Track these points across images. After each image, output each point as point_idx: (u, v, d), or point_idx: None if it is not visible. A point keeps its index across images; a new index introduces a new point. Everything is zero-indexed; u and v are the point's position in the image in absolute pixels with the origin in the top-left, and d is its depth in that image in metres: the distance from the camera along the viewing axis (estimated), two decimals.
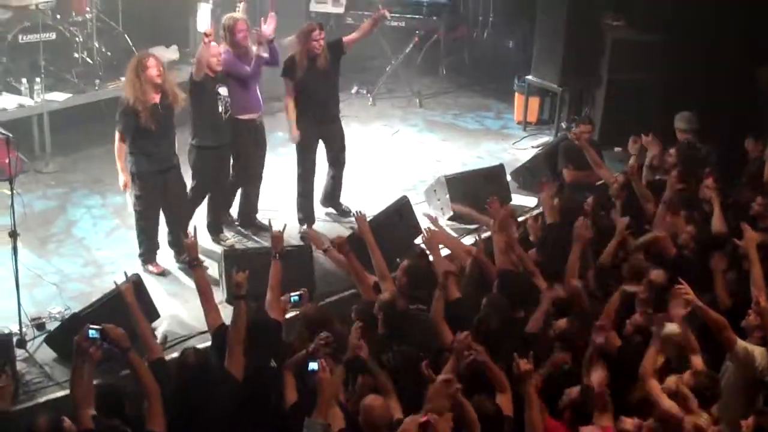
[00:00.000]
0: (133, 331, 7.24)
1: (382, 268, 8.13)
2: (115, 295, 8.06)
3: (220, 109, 9.19)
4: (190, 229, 7.85)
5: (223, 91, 9.25)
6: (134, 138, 8.69)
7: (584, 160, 10.33)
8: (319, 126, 9.89)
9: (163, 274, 9.17)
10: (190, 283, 8.97)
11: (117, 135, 8.71)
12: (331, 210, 10.38)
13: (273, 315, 7.31)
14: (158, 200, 8.99)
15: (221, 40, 9.47)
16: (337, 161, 10.19)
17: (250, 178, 9.90)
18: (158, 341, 7.70)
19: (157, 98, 8.64)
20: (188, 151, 9.36)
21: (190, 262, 7.54)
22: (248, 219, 10.05)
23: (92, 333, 6.30)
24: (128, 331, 7.42)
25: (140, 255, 9.16)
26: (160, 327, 8.30)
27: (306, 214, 10.10)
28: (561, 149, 10.76)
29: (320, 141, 10.01)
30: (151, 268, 9.16)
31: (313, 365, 6.22)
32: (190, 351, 6.75)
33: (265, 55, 9.40)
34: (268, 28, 9.36)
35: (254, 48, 9.46)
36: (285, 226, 8.15)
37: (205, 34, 9.05)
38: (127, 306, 7.18)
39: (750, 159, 10.00)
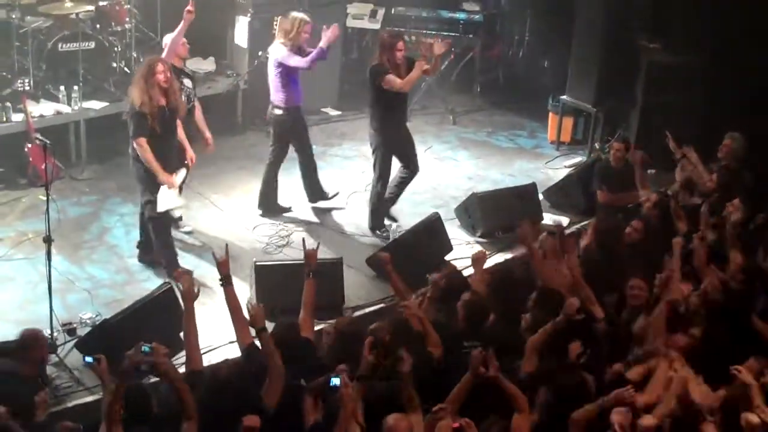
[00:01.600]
0: (165, 340, 7.30)
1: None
2: (145, 303, 8.15)
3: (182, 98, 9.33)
4: (221, 247, 7.86)
5: (187, 82, 9.64)
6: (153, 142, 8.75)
7: (618, 182, 10.31)
8: (400, 130, 10.06)
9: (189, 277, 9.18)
10: (221, 289, 9.08)
11: (140, 141, 8.66)
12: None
13: (305, 333, 7.31)
14: None
15: (281, 33, 10.03)
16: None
17: (311, 155, 10.49)
18: None
19: (163, 101, 8.75)
20: None
21: (222, 280, 7.53)
22: (320, 193, 10.67)
23: (145, 349, 6.57)
24: (158, 340, 7.51)
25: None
26: None
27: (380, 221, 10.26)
28: (596, 170, 10.73)
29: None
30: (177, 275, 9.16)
31: (335, 380, 6.24)
32: (224, 365, 6.77)
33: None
34: (332, 34, 9.97)
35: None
36: (318, 244, 8.16)
37: (188, 11, 9.48)
38: (185, 312, 7.22)
39: None
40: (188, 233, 10.08)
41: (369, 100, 10.02)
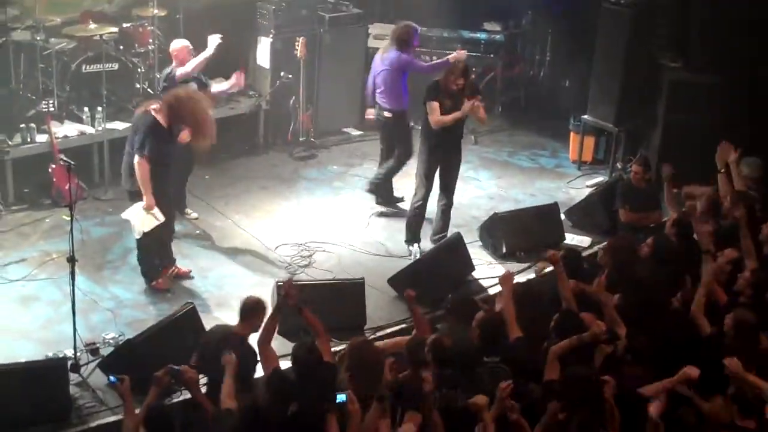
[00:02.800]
0: (187, 360, 7.33)
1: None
2: (168, 323, 8.18)
3: None
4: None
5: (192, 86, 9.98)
6: (154, 167, 8.88)
7: (641, 202, 10.28)
8: (443, 153, 10.11)
9: (168, 291, 9.38)
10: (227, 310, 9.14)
11: (138, 158, 8.81)
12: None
13: (325, 358, 7.32)
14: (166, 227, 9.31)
15: (396, 42, 10.72)
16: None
17: (402, 162, 11.09)
18: None
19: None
20: None
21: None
22: (390, 197, 11.31)
23: (173, 371, 6.71)
24: (181, 360, 7.54)
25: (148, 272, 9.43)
26: None
27: (414, 234, 10.33)
28: (619, 189, 10.71)
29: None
30: (154, 284, 9.39)
31: (341, 397, 6.30)
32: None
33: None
34: (460, 53, 10.76)
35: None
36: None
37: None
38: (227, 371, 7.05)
39: None
40: (195, 219, 10.60)
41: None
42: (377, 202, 11.30)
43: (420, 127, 10.24)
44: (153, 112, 8.89)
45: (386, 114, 10.89)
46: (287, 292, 7.67)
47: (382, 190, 11.26)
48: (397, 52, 10.72)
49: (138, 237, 9.12)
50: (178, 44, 10.47)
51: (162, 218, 9.03)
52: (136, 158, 8.81)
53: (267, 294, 9.10)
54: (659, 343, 7.28)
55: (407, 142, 11.05)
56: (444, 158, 10.13)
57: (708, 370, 6.95)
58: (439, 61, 10.95)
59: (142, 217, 8.99)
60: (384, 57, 10.86)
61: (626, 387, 6.79)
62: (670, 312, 7.98)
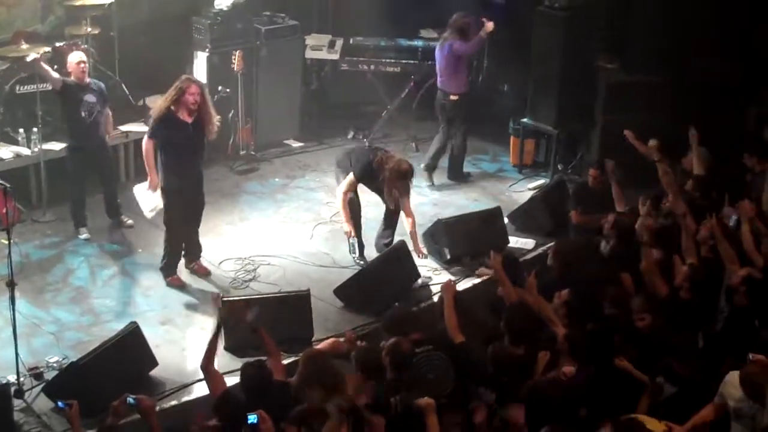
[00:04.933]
0: (134, 380, 7.23)
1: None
2: (112, 343, 8.08)
3: (82, 114, 10.24)
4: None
5: (88, 98, 10.30)
6: (164, 153, 9.40)
7: (594, 203, 10.34)
8: None
9: (183, 286, 9.67)
10: (190, 327, 9.03)
11: (145, 139, 9.46)
12: None
13: (277, 376, 7.25)
14: (182, 214, 9.64)
15: (456, 32, 11.87)
16: None
17: (466, 139, 12.38)
18: None
19: (189, 119, 9.33)
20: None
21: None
22: (461, 175, 12.51)
23: (130, 401, 6.57)
24: (127, 380, 7.45)
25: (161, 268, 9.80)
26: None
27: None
28: (573, 191, 10.80)
29: None
30: (172, 281, 9.73)
31: (252, 418, 6.23)
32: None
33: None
34: (489, 26, 11.94)
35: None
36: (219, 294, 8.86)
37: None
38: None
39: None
40: (129, 227, 10.76)
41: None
42: (450, 178, 12.44)
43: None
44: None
45: (452, 97, 12.04)
46: (239, 317, 7.63)
47: (456, 170, 12.43)
48: (455, 41, 11.81)
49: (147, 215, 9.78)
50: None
51: (159, 203, 9.55)
52: (144, 139, 9.47)
53: (212, 311, 9.10)
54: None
55: (470, 121, 12.27)
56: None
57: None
58: (476, 37, 11.92)
59: (145, 196, 9.61)
60: (443, 46, 11.97)
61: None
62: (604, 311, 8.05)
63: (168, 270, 9.77)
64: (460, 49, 11.85)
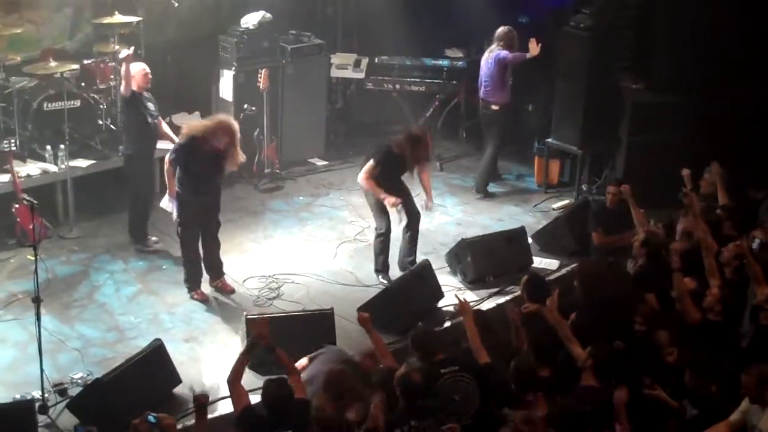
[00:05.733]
0: (157, 398, 7.24)
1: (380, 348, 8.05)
2: (136, 360, 8.11)
3: (149, 120, 10.47)
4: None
5: (150, 106, 10.52)
6: (182, 172, 9.55)
7: (614, 223, 10.31)
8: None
9: (206, 300, 9.76)
10: (214, 344, 9.05)
11: (167, 158, 9.69)
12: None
13: (298, 395, 7.26)
14: (195, 229, 9.79)
15: (503, 43, 12.20)
16: None
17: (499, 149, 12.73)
18: None
19: (210, 152, 9.50)
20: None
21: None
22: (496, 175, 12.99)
23: (151, 419, 6.60)
24: (150, 397, 7.48)
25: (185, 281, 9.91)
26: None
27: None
28: (592, 211, 10.75)
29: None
30: (195, 296, 9.80)
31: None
32: None
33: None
34: (534, 47, 12.08)
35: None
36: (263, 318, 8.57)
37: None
38: None
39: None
40: (155, 242, 10.83)
41: None
42: (476, 190, 12.66)
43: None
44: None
45: (493, 107, 12.32)
46: (259, 334, 7.61)
47: (481, 181, 12.66)
48: (502, 50, 12.11)
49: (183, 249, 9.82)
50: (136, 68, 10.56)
51: (172, 212, 9.73)
52: (166, 158, 9.69)
53: (236, 328, 9.12)
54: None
55: (504, 135, 12.60)
56: (402, 187, 10.24)
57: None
58: (521, 54, 12.14)
59: (170, 205, 9.80)
60: (489, 57, 12.28)
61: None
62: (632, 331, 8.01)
63: (191, 284, 9.85)
64: (507, 58, 12.12)
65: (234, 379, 7.35)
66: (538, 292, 8.46)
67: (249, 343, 7.68)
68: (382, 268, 10.32)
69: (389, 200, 9.99)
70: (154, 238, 10.86)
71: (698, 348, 7.63)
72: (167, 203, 9.87)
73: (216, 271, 10.00)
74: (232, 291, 9.99)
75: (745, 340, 7.97)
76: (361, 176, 10.11)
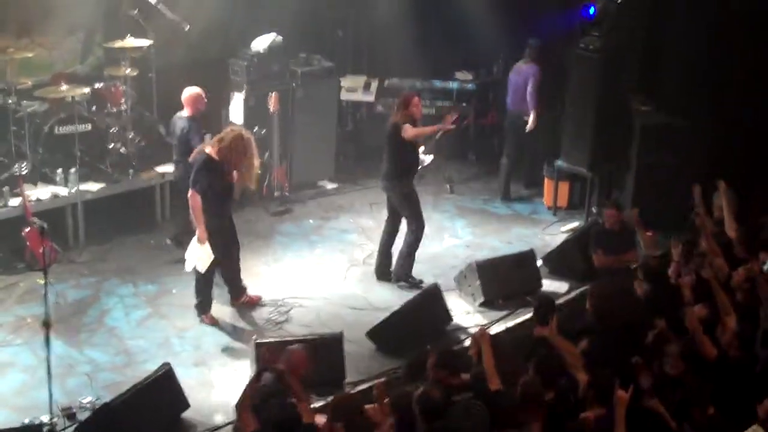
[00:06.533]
0: (166, 422, 7.24)
1: None
2: (145, 385, 8.11)
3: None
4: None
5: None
6: (204, 200, 9.39)
7: (614, 245, 10.30)
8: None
9: (216, 324, 9.77)
10: (223, 369, 9.05)
11: (190, 192, 9.43)
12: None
13: (306, 420, 7.25)
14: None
15: (531, 59, 12.77)
16: None
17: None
18: None
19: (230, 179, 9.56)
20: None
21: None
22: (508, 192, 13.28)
23: None
24: (159, 422, 7.48)
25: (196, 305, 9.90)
26: None
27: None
28: (592, 234, 10.72)
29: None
30: (202, 318, 9.83)
31: None
32: None
33: None
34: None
35: None
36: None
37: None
38: None
39: None
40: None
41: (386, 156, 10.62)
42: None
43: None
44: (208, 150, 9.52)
45: (524, 117, 12.79)
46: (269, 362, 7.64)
47: (503, 188, 13.20)
48: (535, 66, 12.69)
49: (197, 271, 9.62)
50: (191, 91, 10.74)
51: (211, 254, 9.48)
52: (190, 192, 9.39)
53: (245, 353, 9.12)
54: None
55: (524, 145, 13.20)
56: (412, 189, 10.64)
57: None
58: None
59: (197, 254, 9.51)
60: (522, 68, 12.82)
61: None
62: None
63: (201, 308, 9.85)
64: (537, 75, 12.67)
65: (242, 405, 7.33)
66: (548, 317, 8.42)
67: (257, 370, 7.66)
68: (410, 270, 10.65)
69: (439, 126, 10.78)
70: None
71: (719, 384, 7.55)
72: (192, 250, 9.61)
73: (235, 292, 10.11)
74: (258, 300, 10.19)
75: (759, 365, 7.91)
76: (410, 133, 10.31)
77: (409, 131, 10.25)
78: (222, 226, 9.66)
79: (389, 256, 10.78)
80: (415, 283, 10.57)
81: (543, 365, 7.62)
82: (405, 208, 10.57)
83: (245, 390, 7.38)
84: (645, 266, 9.22)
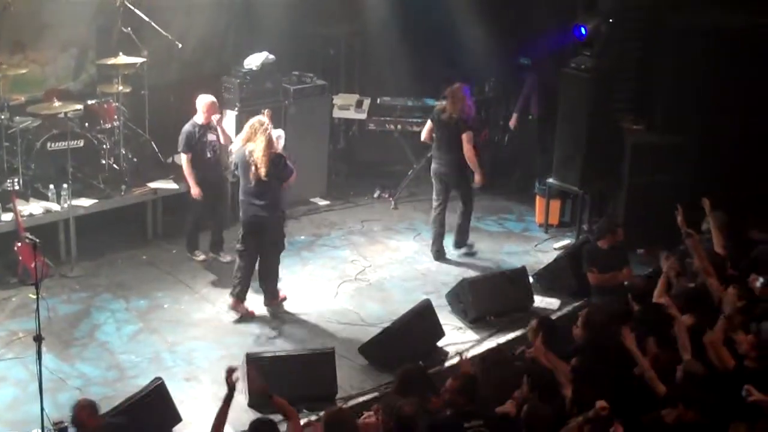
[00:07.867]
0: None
1: None
2: (137, 399, 8.11)
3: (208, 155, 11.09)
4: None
5: (210, 137, 11.09)
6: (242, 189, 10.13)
7: (607, 263, 10.32)
8: None
9: (252, 316, 10.20)
10: (214, 383, 9.04)
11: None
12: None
13: None
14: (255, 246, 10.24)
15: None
16: None
17: None
18: None
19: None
20: None
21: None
22: None
23: None
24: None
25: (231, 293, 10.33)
26: None
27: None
28: (585, 252, 10.74)
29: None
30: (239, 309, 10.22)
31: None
32: None
33: None
34: None
35: None
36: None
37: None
38: None
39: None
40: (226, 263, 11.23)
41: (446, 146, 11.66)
42: None
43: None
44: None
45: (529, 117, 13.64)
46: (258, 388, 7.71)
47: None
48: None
49: None
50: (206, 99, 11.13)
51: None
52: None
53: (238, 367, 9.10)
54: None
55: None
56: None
57: None
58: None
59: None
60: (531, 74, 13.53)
61: None
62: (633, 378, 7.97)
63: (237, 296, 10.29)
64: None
65: (217, 428, 7.26)
66: (550, 337, 8.40)
67: (228, 394, 7.36)
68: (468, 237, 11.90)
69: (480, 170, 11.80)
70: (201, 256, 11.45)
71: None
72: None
73: (268, 296, 10.47)
74: (283, 299, 10.49)
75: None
76: (469, 152, 11.48)
77: (468, 151, 11.46)
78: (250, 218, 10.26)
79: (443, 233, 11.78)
80: (471, 252, 11.87)
81: (537, 382, 7.62)
82: (463, 188, 11.76)
83: (219, 412, 7.31)
84: (631, 287, 9.27)
